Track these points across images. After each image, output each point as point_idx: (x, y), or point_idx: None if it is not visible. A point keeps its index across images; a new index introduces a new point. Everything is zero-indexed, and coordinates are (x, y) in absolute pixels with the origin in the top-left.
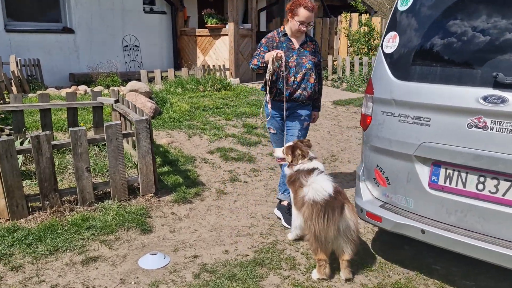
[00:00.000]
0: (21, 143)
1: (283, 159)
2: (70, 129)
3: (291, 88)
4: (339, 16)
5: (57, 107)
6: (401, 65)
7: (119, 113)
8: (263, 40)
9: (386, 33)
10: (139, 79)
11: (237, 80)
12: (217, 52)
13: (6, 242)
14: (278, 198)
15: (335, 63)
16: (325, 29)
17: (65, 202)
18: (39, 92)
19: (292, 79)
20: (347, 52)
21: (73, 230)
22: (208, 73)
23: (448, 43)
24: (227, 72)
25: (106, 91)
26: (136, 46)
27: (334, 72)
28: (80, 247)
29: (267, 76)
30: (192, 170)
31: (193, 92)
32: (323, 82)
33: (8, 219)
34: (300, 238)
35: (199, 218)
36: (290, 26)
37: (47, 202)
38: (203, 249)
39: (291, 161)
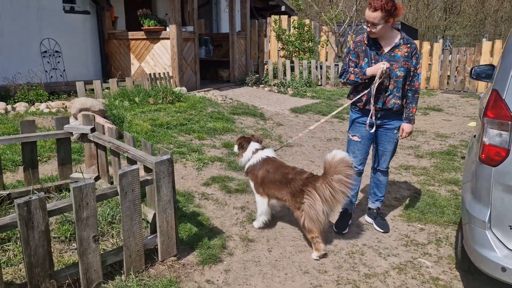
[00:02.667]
0: None
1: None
2: (73, 185)
3: (382, 97)
4: (268, 18)
5: (10, 143)
6: None
7: (96, 144)
8: (351, 46)
9: None
10: (66, 91)
11: (185, 89)
12: (156, 58)
13: None
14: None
15: (275, 67)
16: (254, 32)
17: None
18: None
19: (382, 86)
20: (278, 55)
21: None
22: (155, 82)
23: None
24: (171, 81)
25: (33, 108)
26: (57, 51)
27: (275, 77)
28: None
29: (373, 91)
30: (199, 213)
31: (143, 105)
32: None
33: None
34: None
35: (242, 284)
36: None
37: None
38: None
39: (239, 152)
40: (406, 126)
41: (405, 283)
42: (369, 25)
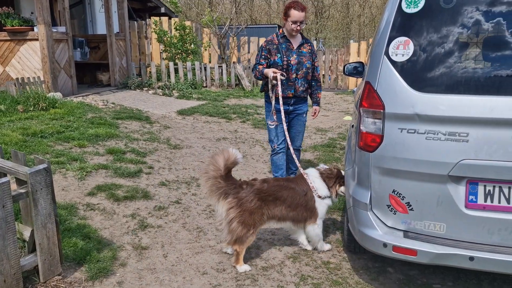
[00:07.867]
0: None
1: None
2: None
3: (293, 84)
4: (148, 20)
5: None
6: (422, 75)
7: None
8: (263, 44)
9: (391, 39)
10: None
11: (60, 95)
12: (23, 61)
13: None
14: None
15: (158, 69)
16: (133, 33)
17: None
18: None
19: (293, 75)
20: (161, 57)
21: None
22: (23, 88)
23: (486, 48)
24: (43, 86)
25: None
26: None
27: (158, 79)
28: None
29: (269, 86)
30: (85, 225)
31: (11, 114)
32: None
33: None
34: None
35: None
36: (286, 27)
37: None
38: None
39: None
40: (317, 108)
41: (300, 271)
42: (298, 24)
